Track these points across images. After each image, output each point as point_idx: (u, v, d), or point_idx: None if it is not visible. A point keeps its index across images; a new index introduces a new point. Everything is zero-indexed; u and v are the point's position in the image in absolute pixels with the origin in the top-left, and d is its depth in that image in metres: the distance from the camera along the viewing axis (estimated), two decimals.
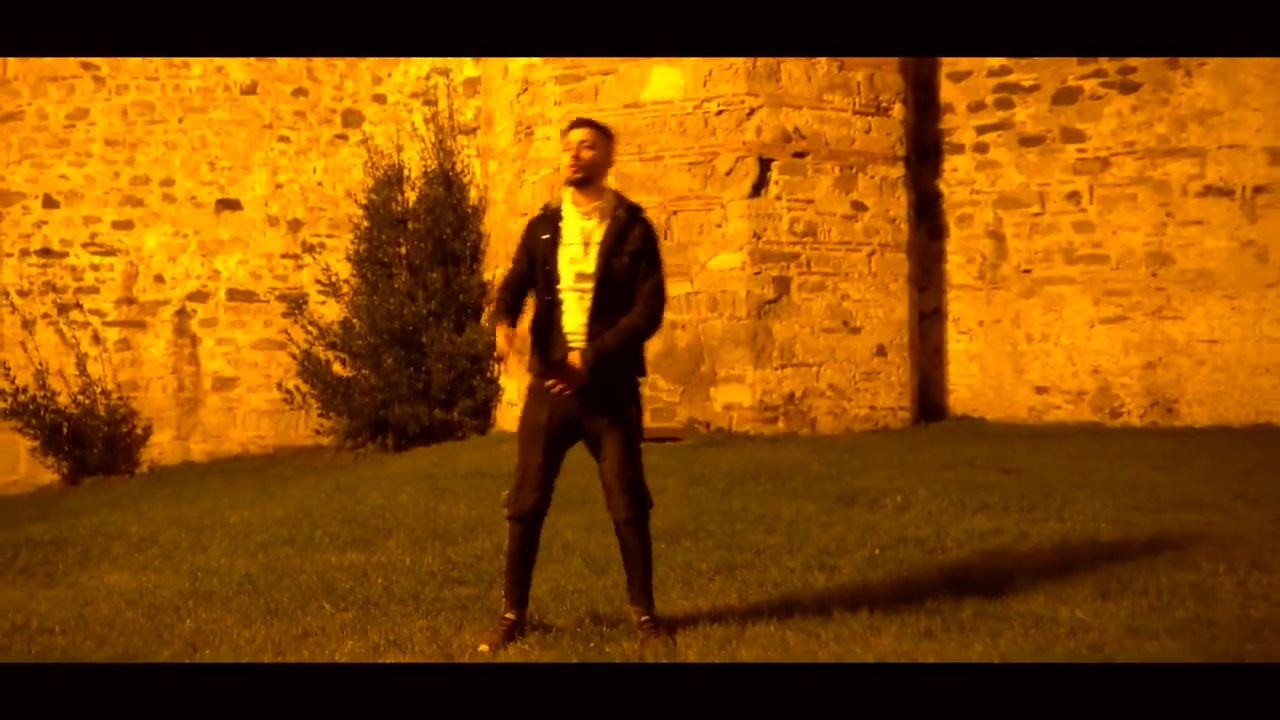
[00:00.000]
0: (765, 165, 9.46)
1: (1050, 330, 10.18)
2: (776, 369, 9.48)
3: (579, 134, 3.39)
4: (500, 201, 10.68)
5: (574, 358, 3.26)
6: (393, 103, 12.22)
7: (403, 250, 10.91)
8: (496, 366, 10.61)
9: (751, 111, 9.44)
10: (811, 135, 9.62)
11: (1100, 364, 10.04)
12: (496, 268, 10.72)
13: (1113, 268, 10.04)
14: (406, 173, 11.32)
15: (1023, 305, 10.31)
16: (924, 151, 10.56)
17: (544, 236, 3.35)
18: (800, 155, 9.56)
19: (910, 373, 9.99)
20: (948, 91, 10.62)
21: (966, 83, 10.53)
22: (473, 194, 11.37)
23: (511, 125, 10.32)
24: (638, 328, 3.40)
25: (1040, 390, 10.19)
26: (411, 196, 11.18)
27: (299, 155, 12.13)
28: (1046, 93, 10.27)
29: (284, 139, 12.11)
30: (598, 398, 3.31)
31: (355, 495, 6.63)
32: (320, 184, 12.11)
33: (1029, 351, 10.35)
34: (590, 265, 3.29)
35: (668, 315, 9.68)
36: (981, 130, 10.41)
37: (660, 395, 9.56)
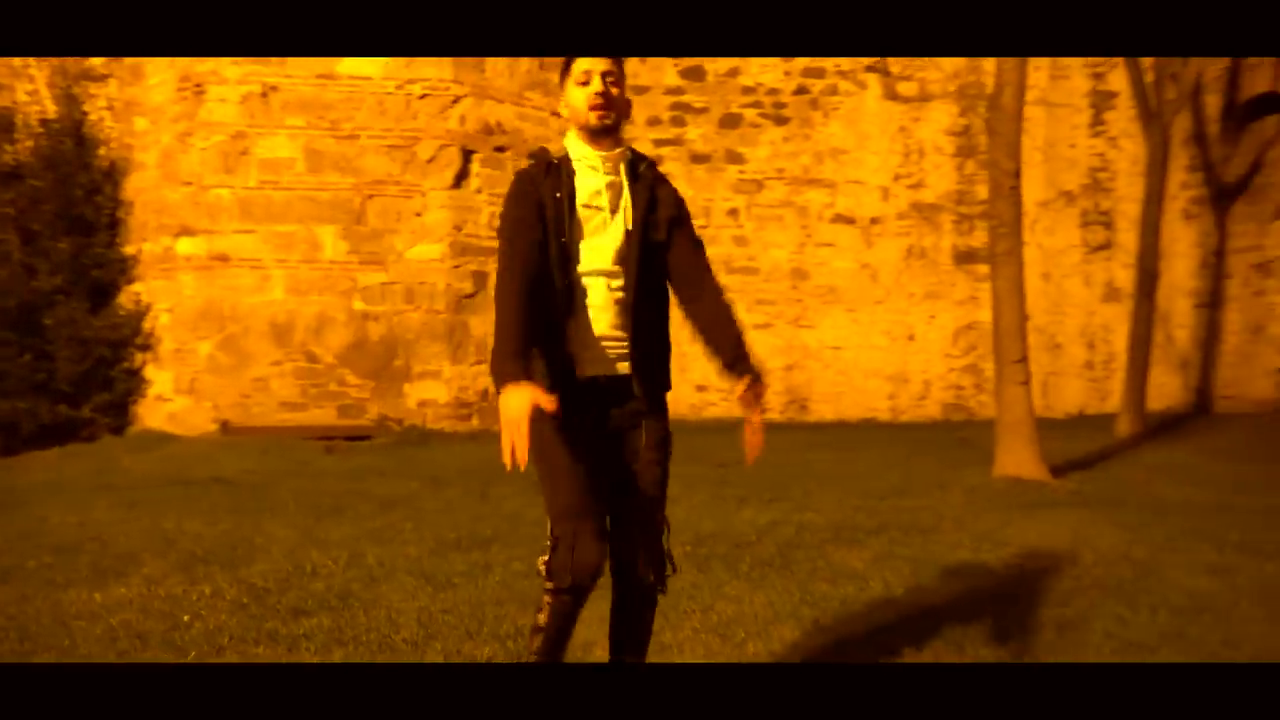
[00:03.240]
0: (468, 156, 9.25)
1: None
2: (473, 365, 9.33)
3: (599, 62, 2.37)
4: (152, 166, 9.25)
5: (758, 391, 2.37)
6: None
7: (11, 211, 9.01)
8: (141, 356, 9.19)
9: (456, 100, 9.18)
10: (513, 131, 9.59)
11: None
12: (144, 242, 9.28)
13: (764, 279, 11.27)
14: (19, 118, 9.36)
15: None
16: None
17: (557, 194, 2.33)
18: (501, 150, 9.49)
19: None
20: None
21: (645, 98, 11.15)
22: (102, 152, 9.70)
23: (173, 79, 8.99)
24: (731, 308, 2.48)
25: (700, 388, 11.12)
26: (26, 147, 9.27)
27: None
28: (715, 115, 11.23)
29: None
30: (635, 420, 2.40)
31: (20, 513, 5.41)
32: None
33: (690, 352, 11.14)
34: (621, 240, 2.35)
35: (360, 306, 9.23)
36: (658, 144, 11.09)
37: (349, 390, 8.96)
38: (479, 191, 9.37)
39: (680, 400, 11.22)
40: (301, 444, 8.02)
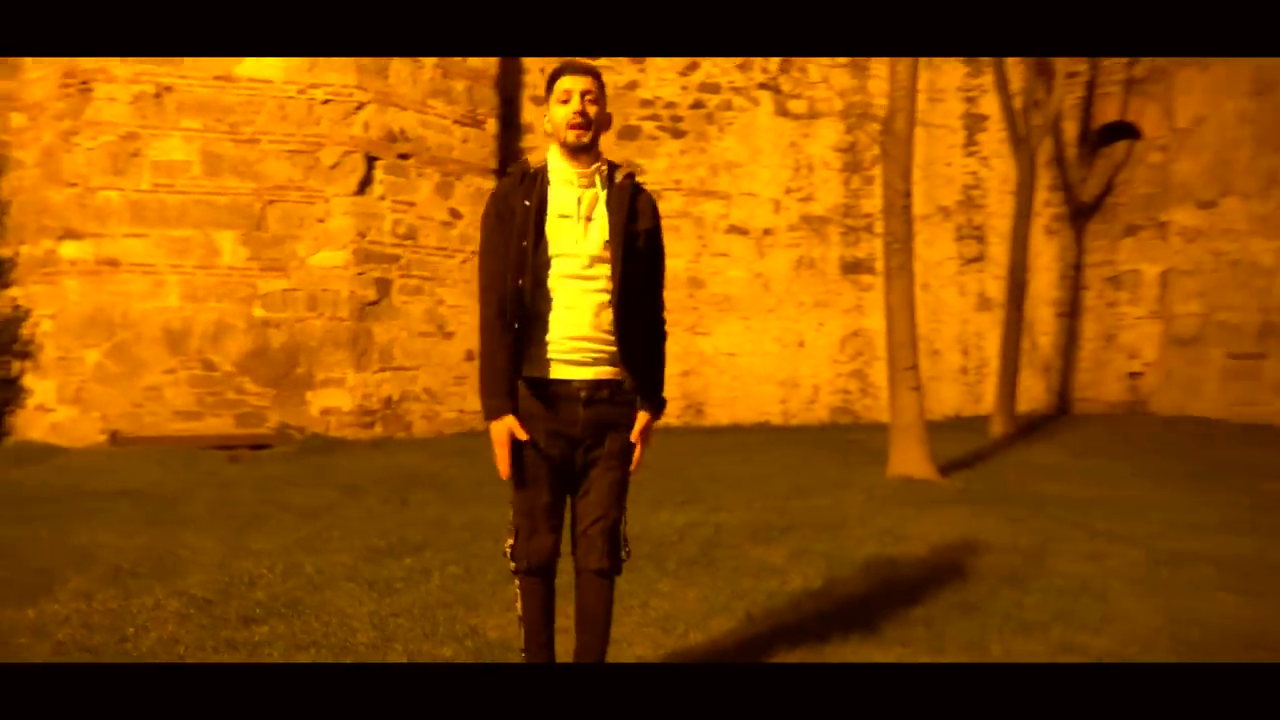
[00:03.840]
0: (371, 163, 9.22)
1: None
2: (376, 372, 9.30)
3: (580, 81, 2.51)
4: (32, 164, 8.86)
5: (643, 419, 2.59)
6: None
7: None
8: (19, 364, 8.79)
9: (360, 106, 9.13)
10: (416, 139, 9.60)
11: None
12: (22, 244, 8.88)
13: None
14: None
15: None
16: (508, 165, 11.10)
17: (525, 203, 2.48)
18: (405, 157, 9.49)
19: None
20: (530, 113, 11.30)
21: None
22: None
23: (55, 75, 8.64)
24: (665, 343, 2.72)
25: None
26: None
27: None
28: (614, 127, 11.44)
29: None
30: (605, 424, 2.56)
31: None
32: None
33: None
34: (600, 248, 2.48)
35: (260, 313, 9.11)
36: None
37: (249, 399, 8.81)
38: (383, 198, 9.34)
39: None
40: (202, 454, 7.85)
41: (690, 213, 11.66)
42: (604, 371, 2.53)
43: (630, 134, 11.49)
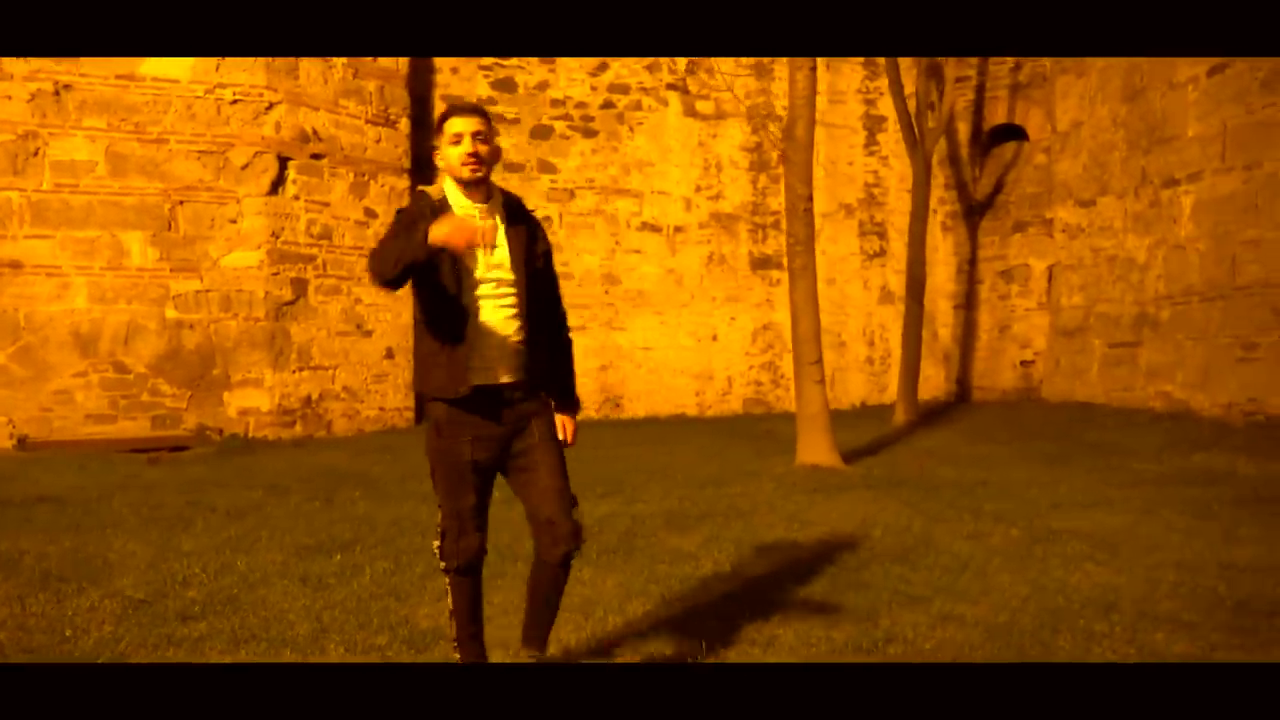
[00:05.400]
0: (284, 163, 9.22)
1: None
2: (294, 372, 9.32)
3: (470, 123, 2.74)
4: None
5: (568, 425, 2.98)
6: None
7: None
8: None
9: (270, 106, 9.13)
10: (329, 139, 9.63)
11: None
12: None
13: (577, 284, 11.80)
14: None
15: None
16: (421, 164, 11.17)
17: None
18: (318, 157, 9.51)
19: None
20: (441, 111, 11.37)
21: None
22: None
23: None
24: (572, 348, 3.04)
25: None
26: None
27: None
28: (526, 126, 11.66)
29: None
30: (525, 418, 2.82)
31: None
32: None
33: None
34: (509, 271, 2.77)
35: (173, 314, 9.03)
36: None
37: (164, 401, 8.76)
38: (297, 198, 9.35)
39: None
40: (119, 457, 7.79)
41: (604, 210, 11.92)
42: (519, 375, 2.81)
43: (543, 133, 11.68)
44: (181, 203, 8.83)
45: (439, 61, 11.29)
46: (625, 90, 11.93)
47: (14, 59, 8.32)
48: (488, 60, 11.43)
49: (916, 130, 10.69)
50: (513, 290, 2.78)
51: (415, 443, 8.67)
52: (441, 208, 2.74)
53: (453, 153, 2.74)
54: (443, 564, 2.83)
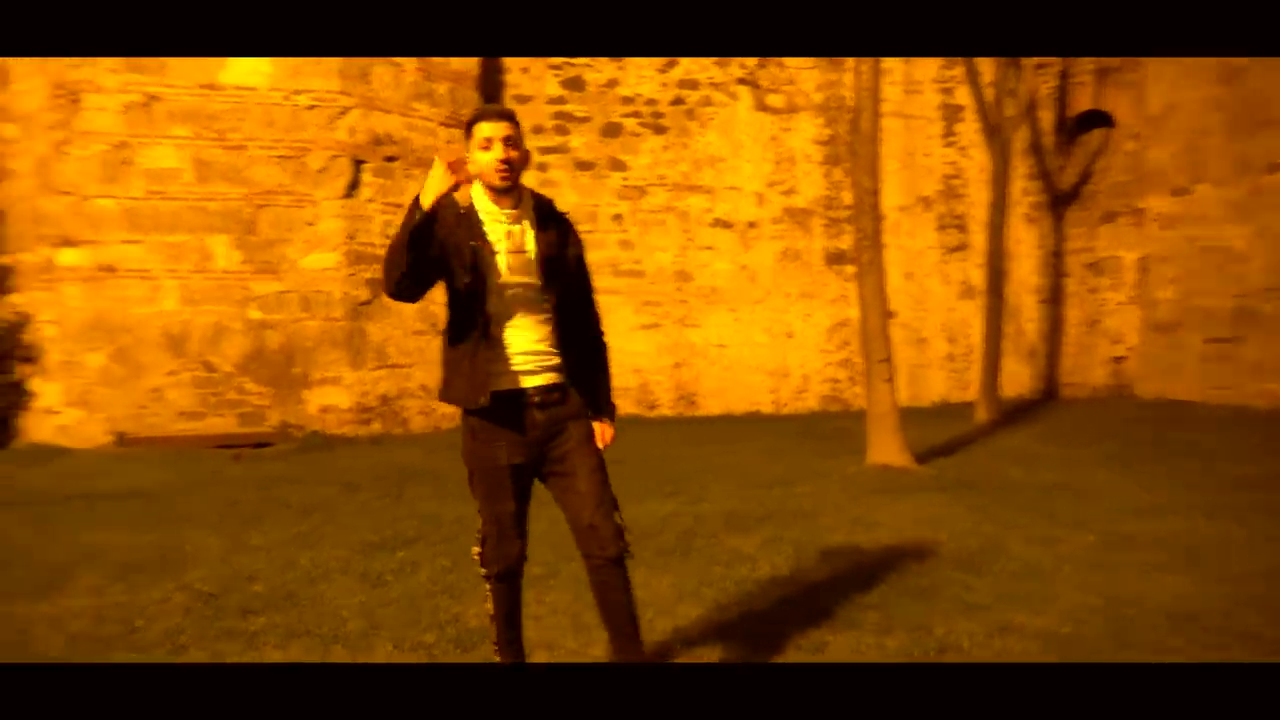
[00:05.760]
0: (358, 166, 9.43)
1: None
2: (372, 370, 9.54)
3: (500, 127, 2.68)
4: (27, 174, 9.07)
5: (605, 431, 2.89)
6: None
7: None
8: (23, 368, 9.01)
9: (344, 111, 9.34)
10: (401, 141, 9.81)
11: (640, 364, 11.75)
12: (21, 252, 9.10)
13: (649, 282, 11.80)
14: None
15: None
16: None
17: (472, 244, 2.68)
18: (391, 159, 9.70)
19: None
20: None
21: (529, 106, 11.50)
22: None
23: (45, 86, 8.85)
24: (607, 352, 2.95)
25: None
26: None
27: None
28: (596, 125, 11.68)
29: None
30: (559, 423, 2.77)
31: None
32: None
33: None
34: (537, 275, 2.71)
35: (256, 315, 9.31)
36: (543, 151, 11.47)
37: (249, 399, 9.05)
38: (371, 200, 9.56)
39: None
40: (206, 453, 8.10)
41: (675, 207, 11.88)
42: (551, 378, 2.76)
43: (613, 131, 11.69)
44: (262, 206, 9.11)
45: (509, 62, 11.40)
46: (695, 86, 11.86)
47: (106, 73, 8.70)
48: (557, 59, 11.50)
49: (995, 119, 10.37)
50: (541, 294, 2.72)
51: None
52: (469, 214, 2.71)
53: (483, 159, 2.69)
54: (483, 570, 2.84)
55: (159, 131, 8.85)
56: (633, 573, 4.36)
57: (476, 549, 2.84)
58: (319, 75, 9.23)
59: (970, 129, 12.31)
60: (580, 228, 2.98)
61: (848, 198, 11.99)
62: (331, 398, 9.29)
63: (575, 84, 11.60)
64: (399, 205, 9.78)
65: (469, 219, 2.71)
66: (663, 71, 11.78)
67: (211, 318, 8.98)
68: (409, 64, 9.86)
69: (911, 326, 12.37)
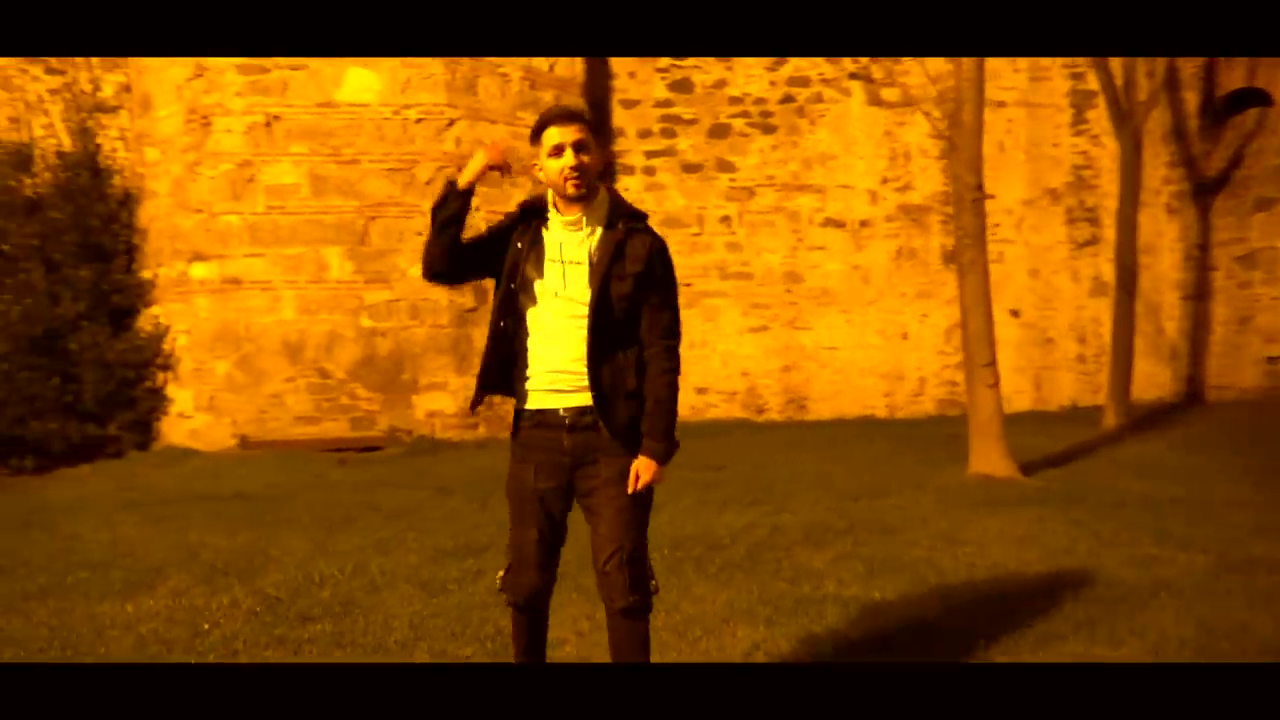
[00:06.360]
0: None
1: (709, 337, 11.51)
2: (476, 376, 9.72)
3: (569, 131, 2.53)
4: (165, 194, 9.71)
5: (643, 470, 2.54)
6: (2, 65, 10.50)
7: (35, 242, 9.49)
8: (162, 375, 9.66)
9: (451, 123, 9.58)
10: (507, 151, 9.95)
11: (748, 367, 11.58)
12: (160, 267, 9.75)
13: (758, 284, 11.61)
14: (37, 153, 9.85)
15: (685, 315, 11.52)
16: (600, 172, 11.34)
17: (519, 245, 2.62)
18: (497, 169, 9.85)
19: None
20: (619, 117, 11.53)
21: (636, 111, 11.52)
22: (116, 182, 10.19)
23: (181, 112, 9.44)
24: (674, 387, 2.62)
25: (700, 390, 11.46)
26: (45, 180, 9.74)
27: None
28: (704, 126, 11.58)
29: None
30: (592, 452, 2.58)
31: (56, 530, 5.87)
32: None
33: (690, 356, 11.48)
34: (582, 290, 2.53)
35: (367, 323, 9.63)
36: (650, 155, 11.46)
37: (360, 404, 9.40)
38: (477, 209, 9.68)
39: (683, 403, 11.55)
40: (317, 457, 8.46)
41: (784, 207, 11.64)
42: (586, 399, 2.56)
43: (720, 132, 11.56)
44: (373, 218, 9.44)
45: (615, 68, 11.43)
46: (805, 83, 11.59)
47: (234, 96, 9.21)
48: (664, 62, 11.46)
49: (1125, 105, 9.70)
50: (586, 309, 2.52)
51: None
52: (534, 220, 2.66)
53: (553, 166, 2.54)
54: (505, 597, 2.70)
55: (279, 149, 9.30)
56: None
57: (500, 572, 2.70)
58: (426, 89, 9.50)
59: (1104, 115, 11.52)
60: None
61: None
62: (438, 403, 9.54)
63: (683, 86, 11.54)
64: (504, 213, 9.93)
65: (533, 224, 2.64)
66: (771, 70, 11.57)
67: (326, 326, 9.37)
68: (514, 74, 10.02)
69: (1037, 326, 11.73)
